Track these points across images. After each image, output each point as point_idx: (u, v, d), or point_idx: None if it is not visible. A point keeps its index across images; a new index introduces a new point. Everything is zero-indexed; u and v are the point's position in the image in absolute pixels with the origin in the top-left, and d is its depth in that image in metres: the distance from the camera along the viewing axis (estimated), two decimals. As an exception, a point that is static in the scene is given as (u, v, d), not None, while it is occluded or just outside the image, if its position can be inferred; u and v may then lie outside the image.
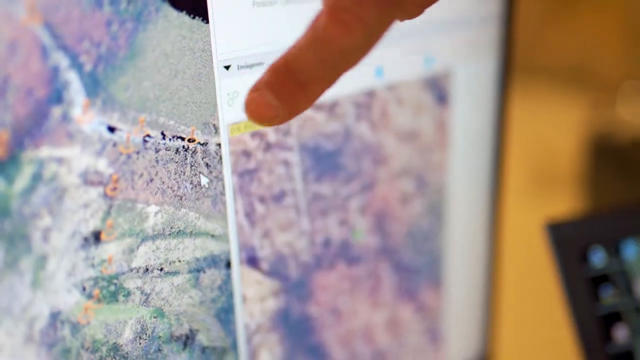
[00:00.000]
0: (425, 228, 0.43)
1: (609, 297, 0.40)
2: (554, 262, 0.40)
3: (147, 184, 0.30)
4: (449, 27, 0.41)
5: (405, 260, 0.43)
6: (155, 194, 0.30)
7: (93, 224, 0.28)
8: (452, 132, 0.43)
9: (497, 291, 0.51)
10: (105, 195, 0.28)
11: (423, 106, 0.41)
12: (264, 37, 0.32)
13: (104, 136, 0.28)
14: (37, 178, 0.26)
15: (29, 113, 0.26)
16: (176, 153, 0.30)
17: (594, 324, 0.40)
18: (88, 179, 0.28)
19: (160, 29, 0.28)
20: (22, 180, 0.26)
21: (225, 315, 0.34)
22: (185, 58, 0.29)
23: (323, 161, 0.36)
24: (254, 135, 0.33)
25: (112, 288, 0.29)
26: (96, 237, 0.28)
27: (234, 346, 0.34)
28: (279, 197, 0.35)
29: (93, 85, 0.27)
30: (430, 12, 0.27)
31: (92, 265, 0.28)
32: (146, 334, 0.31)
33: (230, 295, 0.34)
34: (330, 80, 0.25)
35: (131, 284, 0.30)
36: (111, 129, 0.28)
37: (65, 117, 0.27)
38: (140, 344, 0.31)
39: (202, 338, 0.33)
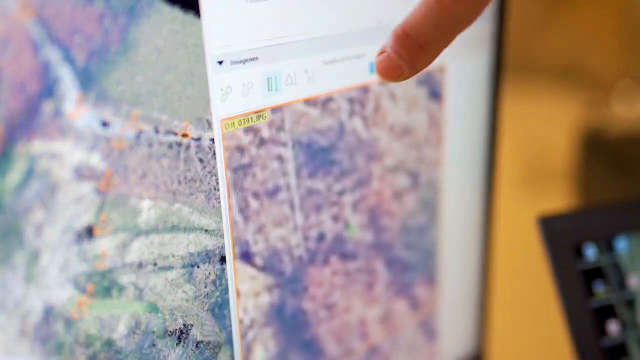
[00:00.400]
0: (418, 224, 0.44)
1: (601, 291, 0.40)
2: (547, 256, 0.40)
3: (141, 179, 0.30)
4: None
5: (399, 256, 0.43)
6: (149, 188, 0.30)
7: (86, 219, 0.28)
8: (445, 128, 0.43)
9: (491, 286, 0.51)
10: (98, 190, 0.28)
11: (416, 102, 0.41)
12: (257, 32, 0.32)
13: (96, 131, 0.28)
14: (29, 173, 0.26)
15: (21, 107, 0.26)
16: (169, 148, 0.30)
17: (587, 318, 0.40)
18: (81, 174, 0.28)
19: (152, 24, 0.28)
20: (14, 174, 0.26)
21: (219, 310, 0.34)
22: (178, 53, 0.29)
23: (317, 157, 0.36)
24: (247, 130, 0.33)
25: (106, 283, 0.29)
26: (89, 232, 0.28)
27: (228, 341, 0.34)
28: (273, 193, 0.35)
29: (85, 80, 0.27)
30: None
31: (86, 260, 0.28)
32: (140, 329, 0.31)
33: (225, 290, 0.34)
34: (446, 41, 0.28)
35: (125, 279, 0.30)
36: (104, 124, 0.28)
37: (58, 112, 0.27)
38: (134, 339, 0.31)
39: (196, 333, 0.33)
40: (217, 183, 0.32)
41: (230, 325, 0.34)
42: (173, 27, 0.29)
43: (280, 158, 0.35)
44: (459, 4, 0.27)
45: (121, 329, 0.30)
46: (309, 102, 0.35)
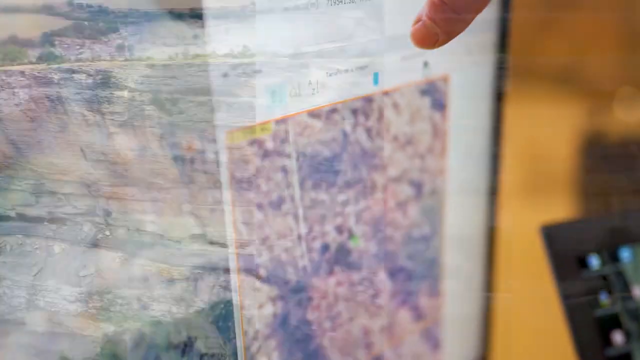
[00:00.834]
0: (422, 233, 0.43)
1: (606, 300, 0.40)
2: (550, 265, 0.40)
3: (145, 192, 0.30)
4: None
5: (403, 265, 0.43)
6: (153, 201, 0.30)
7: (90, 232, 0.28)
8: (448, 137, 0.43)
9: (494, 295, 0.51)
10: (102, 202, 0.28)
11: (420, 112, 0.41)
12: (262, 44, 0.32)
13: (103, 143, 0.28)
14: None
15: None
16: (174, 160, 0.30)
17: (591, 328, 0.40)
18: (85, 186, 0.28)
19: (157, 36, 0.28)
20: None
21: (223, 322, 0.34)
22: (182, 65, 0.29)
23: (321, 168, 0.36)
24: (251, 142, 0.33)
25: (110, 296, 0.29)
26: (93, 244, 0.28)
27: (233, 353, 0.34)
28: (277, 204, 0.35)
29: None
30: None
31: (89, 273, 0.28)
32: (144, 342, 0.31)
33: (229, 302, 0.34)
34: (479, 7, 0.29)
35: (128, 292, 0.30)
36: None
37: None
38: (138, 352, 0.31)
39: (200, 345, 0.33)
40: (222, 195, 0.32)
41: (235, 337, 0.34)
42: (177, 40, 0.29)
43: (284, 169, 0.35)
44: None
45: (125, 343, 0.30)
46: (313, 113, 0.35)
